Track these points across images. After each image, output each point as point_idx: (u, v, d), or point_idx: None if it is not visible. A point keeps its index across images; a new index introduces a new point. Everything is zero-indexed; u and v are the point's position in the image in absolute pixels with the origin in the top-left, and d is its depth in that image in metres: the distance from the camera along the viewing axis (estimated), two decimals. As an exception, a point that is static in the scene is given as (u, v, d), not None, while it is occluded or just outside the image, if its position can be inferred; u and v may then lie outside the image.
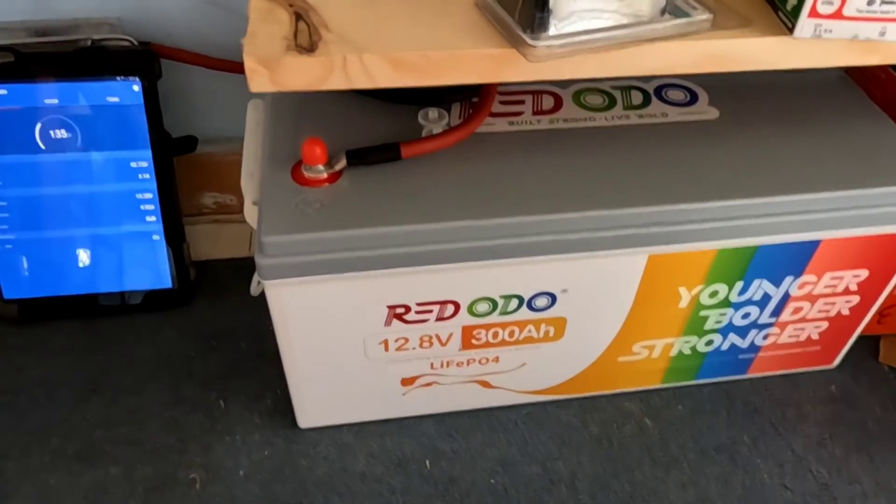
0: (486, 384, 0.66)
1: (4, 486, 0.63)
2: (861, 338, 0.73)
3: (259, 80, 0.42)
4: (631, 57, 0.44)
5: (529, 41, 0.42)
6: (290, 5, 0.46)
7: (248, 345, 0.76)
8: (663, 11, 0.45)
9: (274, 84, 0.42)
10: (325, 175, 0.55)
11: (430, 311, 0.58)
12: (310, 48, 0.42)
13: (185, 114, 0.80)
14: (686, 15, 0.45)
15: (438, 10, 0.46)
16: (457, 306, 0.58)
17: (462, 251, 0.54)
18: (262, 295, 0.58)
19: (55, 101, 0.69)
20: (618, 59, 0.44)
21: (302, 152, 0.54)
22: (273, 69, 0.42)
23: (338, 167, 0.55)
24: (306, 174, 0.55)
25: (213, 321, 0.78)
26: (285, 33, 0.44)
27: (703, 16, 0.45)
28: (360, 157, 0.55)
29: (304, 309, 0.56)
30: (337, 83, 0.43)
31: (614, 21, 0.43)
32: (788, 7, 0.45)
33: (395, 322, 0.58)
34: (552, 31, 0.42)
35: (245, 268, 0.86)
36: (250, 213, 0.57)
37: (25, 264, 0.74)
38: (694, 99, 0.64)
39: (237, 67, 0.75)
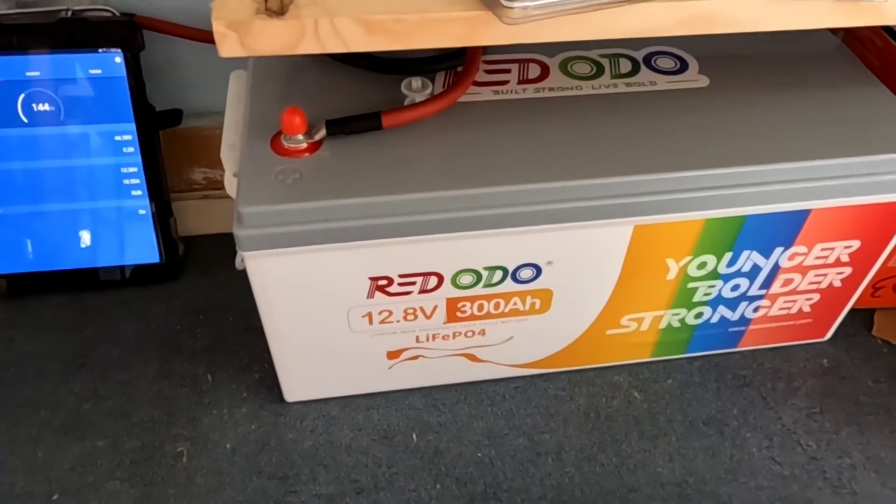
0: (473, 357, 0.66)
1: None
2: (855, 311, 0.72)
3: (229, 44, 0.41)
4: (611, 18, 0.43)
5: (504, 3, 0.41)
6: (262, -32, 0.45)
7: (236, 319, 0.76)
8: (645, -28, 0.43)
9: (245, 48, 0.41)
10: (304, 145, 0.54)
11: (414, 283, 0.57)
12: (280, 11, 0.41)
13: (172, 87, 0.79)
14: (668, -25, 0.43)
15: (414, -27, 0.45)
16: (440, 278, 0.57)
17: (444, 222, 0.53)
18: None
19: (37, 73, 0.68)
20: (597, 20, 0.43)
21: (281, 122, 0.53)
22: (243, 33, 0.41)
23: (318, 137, 0.54)
24: (286, 144, 0.54)
25: (201, 296, 0.78)
26: (256, -4, 0.43)
27: (685, -24, 0.44)
28: (340, 127, 0.54)
29: (284, 281, 0.55)
30: (309, 47, 0.42)
31: (593, -18, 0.42)
32: (774, -34, 0.44)
33: (378, 294, 0.57)
34: (528, -8, 0.41)
35: (232, 243, 0.86)
36: (231, 185, 0.57)
37: (12, 239, 0.73)
38: (684, 67, 0.63)
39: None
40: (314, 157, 0.54)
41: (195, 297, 0.78)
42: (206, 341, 0.74)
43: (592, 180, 0.53)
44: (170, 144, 0.77)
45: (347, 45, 0.42)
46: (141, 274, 0.77)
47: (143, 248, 0.76)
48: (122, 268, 0.76)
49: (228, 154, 0.57)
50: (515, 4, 0.41)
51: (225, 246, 0.84)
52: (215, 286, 0.79)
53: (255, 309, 0.73)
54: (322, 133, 0.54)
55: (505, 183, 0.53)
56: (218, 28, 0.41)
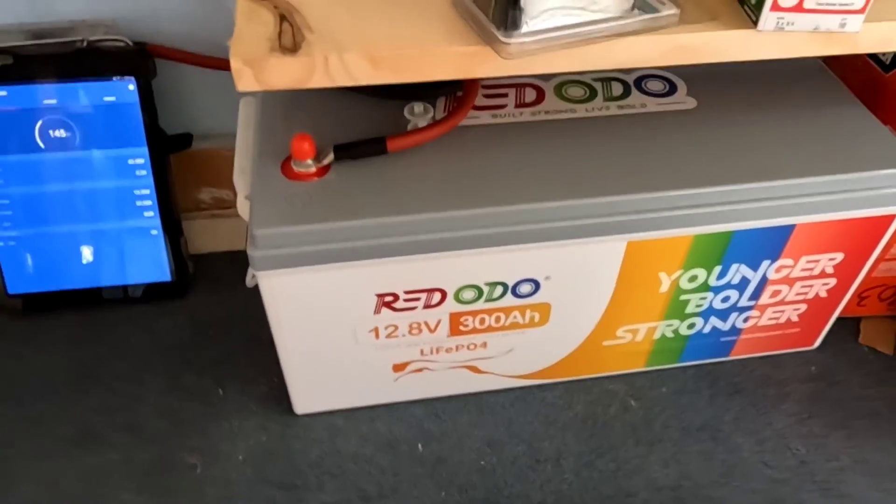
0: (474, 369, 0.69)
1: (7, 471, 0.66)
2: (842, 320, 0.75)
3: (245, 79, 0.44)
4: (601, 51, 0.46)
5: (502, 38, 0.44)
6: (275, 7, 0.48)
7: (244, 334, 0.78)
8: (633, 7, 0.46)
9: (259, 83, 0.44)
10: (313, 169, 0.57)
11: (418, 299, 0.60)
12: (293, 48, 0.44)
13: (180, 111, 0.82)
14: (654, 10, 0.47)
15: (416, 10, 0.48)
16: (443, 294, 0.60)
17: (446, 241, 0.56)
18: (257, 286, 0.61)
19: (53, 101, 0.71)
20: (588, 53, 0.46)
21: (291, 148, 0.56)
22: (258, 69, 0.44)
23: (326, 161, 0.57)
24: (296, 168, 0.57)
25: (209, 312, 0.81)
26: (269, 34, 0.46)
27: (670, 11, 0.47)
28: (347, 151, 0.57)
29: (295, 298, 0.58)
30: (320, 82, 0.45)
31: (584, 18, 0.45)
32: (752, 1, 0.47)
33: (385, 310, 0.60)
34: (524, 28, 0.44)
35: (241, 260, 0.87)
36: (243, 208, 0.59)
37: (28, 260, 0.76)
38: (673, 89, 0.66)
39: (228, 65, 0.77)
40: (322, 180, 0.57)
41: (203, 313, 0.81)
42: (214, 356, 0.76)
43: (587, 199, 0.56)
44: (178, 165, 0.80)
45: (355, 79, 0.45)
46: (152, 292, 0.80)
47: (154, 267, 0.79)
48: (133, 286, 0.79)
49: (240, 178, 0.60)
50: (512, 40, 0.44)
51: (231, 263, 0.87)
52: (223, 302, 0.82)
53: (261, 324, 0.75)
54: (330, 158, 0.57)
55: (504, 203, 0.56)
56: (235, 65, 0.43)
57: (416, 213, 0.55)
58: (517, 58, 0.44)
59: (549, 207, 0.56)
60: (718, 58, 0.48)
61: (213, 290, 0.83)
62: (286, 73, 0.44)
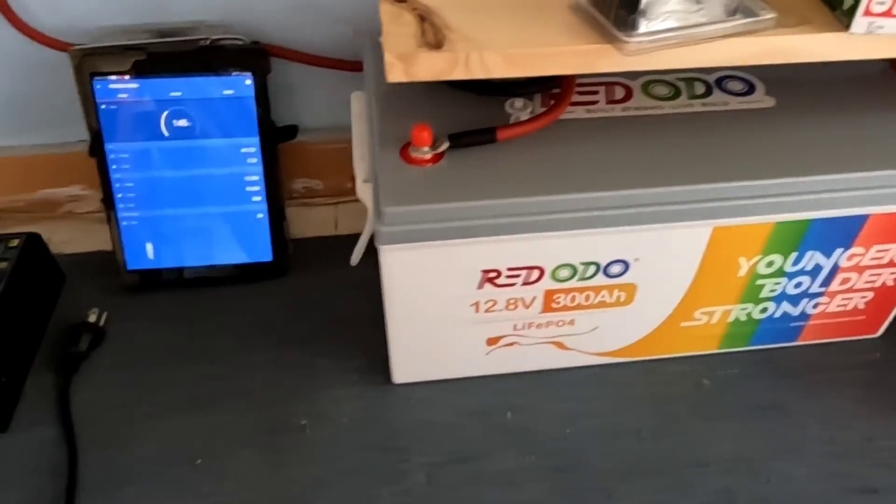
0: (560, 345, 0.74)
1: (129, 431, 0.72)
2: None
3: (396, 71, 0.50)
4: (706, 51, 0.51)
5: (623, 38, 0.50)
6: (414, 9, 0.54)
7: (337, 312, 0.84)
8: (735, 12, 0.52)
9: (407, 75, 0.51)
10: (429, 156, 0.63)
11: (518, 276, 0.66)
12: (437, 45, 0.50)
13: (280, 105, 0.89)
14: (754, 14, 0.52)
15: (539, 14, 0.54)
16: (541, 271, 0.66)
17: (548, 222, 0.62)
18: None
19: (179, 93, 0.78)
20: (695, 52, 0.51)
21: (411, 136, 0.62)
22: (408, 63, 0.50)
23: (441, 149, 0.63)
24: (413, 155, 0.63)
25: (305, 291, 0.87)
26: (413, 32, 0.52)
27: (768, 15, 0.52)
28: (461, 139, 0.63)
29: (411, 272, 0.64)
30: (458, 74, 0.51)
31: (694, 20, 0.51)
32: (845, 7, 0.52)
33: (487, 285, 0.66)
34: (641, 28, 0.50)
35: (329, 245, 0.96)
36: (363, 191, 0.66)
37: (146, 239, 0.83)
38: (752, 89, 0.71)
39: (333, 63, 0.84)
40: (437, 166, 0.63)
41: (300, 292, 0.87)
42: (313, 331, 0.82)
43: (677, 187, 0.62)
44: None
45: (489, 73, 0.51)
46: (255, 271, 0.86)
47: (258, 248, 0.85)
48: (238, 265, 0.86)
49: (360, 164, 0.67)
50: (632, 39, 0.50)
51: (322, 247, 0.94)
52: (317, 283, 0.88)
53: (353, 303, 0.84)
54: (445, 145, 0.63)
55: (601, 189, 0.61)
56: (389, 59, 0.50)
57: (521, 197, 0.61)
58: (634, 55, 0.50)
59: (641, 194, 0.61)
60: (811, 58, 0.54)
61: (306, 272, 0.90)
62: (432, 67, 0.50)
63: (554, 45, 0.51)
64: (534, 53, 0.51)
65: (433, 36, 0.51)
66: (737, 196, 0.62)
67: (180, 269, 0.85)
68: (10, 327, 0.75)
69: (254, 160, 0.82)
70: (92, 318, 0.81)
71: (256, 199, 0.83)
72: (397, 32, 0.52)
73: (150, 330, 0.82)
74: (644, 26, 0.50)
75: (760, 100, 0.70)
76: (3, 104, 0.86)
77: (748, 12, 0.52)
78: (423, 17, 0.53)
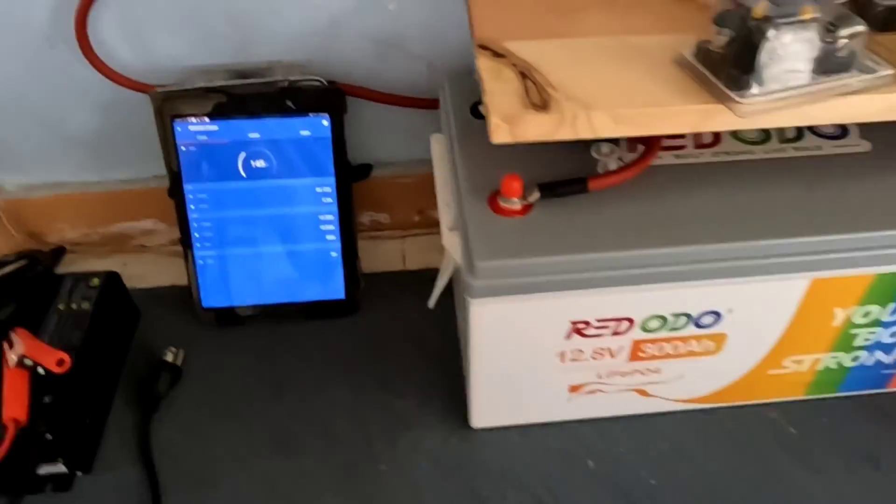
0: (643, 392, 0.73)
1: (214, 469, 0.73)
2: None
3: (501, 132, 0.50)
4: (824, 109, 0.50)
5: (737, 98, 0.48)
6: (513, 65, 0.54)
7: (412, 350, 0.84)
8: (850, 68, 0.50)
9: (513, 136, 0.50)
10: (519, 206, 0.62)
11: (607, 327, 0.64)
12: (543, 105, 0.49)
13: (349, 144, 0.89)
14: (872, 71, 0.50)
15: (641, 69, 0.53)
16: (631, 322, 0.64)
17: (642, 276, 0.60)
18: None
19: (257, 134, 0.78)
20: (812, 110, 0.50)
21: (501, 186, 0.61)
22: (514, 124, 0.49)
23: (531, 199, 0.62)
24: (503, 205, 0.62)
25: (378, 329, 0.87)
26: (517, 90, 0.51)
27: (887, 72, 0.50)
28: (552, 190, 0.62)
29: (499, 324, 0.63)
30: (564, 135, 0.50)
31: (809, 79, 0.49)
32: (966, 62, 0.50)
33: (575, 336, 0.65)
34: (754, 90, 0.49)
35: (398, 281, 0.95)
36: (448, 238, 0.65)
37: (222, 277, 0.84)
38: (845, 133, 0.69)
39: (409, 102, 0.84)
40: (528, 217, 0.62)
41: (373, 329, 0.87)
42: (388, 371, 0.82)
43: (775, 240, 0.60)
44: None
45: (596, 133, 0.50)
46: (327, 308, 0.86)
47: (331, 286, 0.85)
48: (312, 303, 0.86)
49: (445, 211, 0.66)
50: (746, 100, 0.48)
51: (391, 282, 0.93)
52: (389, 320, 0.88)
53: (427, 341, 0.83)
54: (536, 196, 0.62)
55: (698, 242, 0.60)
56: (494, 120, 0.49)
57: (615, 251, 0.59)
58: (749, 116, 0.49)
59: (739, 247, 0.60)
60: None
61: (376, 309, 0.89)
62: (538, 128, 0.50)
63: (664, 105, 0.49)
64: (644, 113, 0.49)
65: (538, 95, 0.50)
66: (837, 248, 0.60)
67: (254, 307, 0.85)
68: (94, 368, 0.76)
69: (329, 199, 0.82)
70: (169, 358, 0.81)
71: (330, 237, 0.83)
72: (501, 91, 0.51)
73: (226, 367, 0.83)
74: (757, 88, 0.48)
75: (855, 143, 0.68)
76: (81, 141, 0.88)
77: (866, 68, 0.50)
78: (525, 75, 0.52)
